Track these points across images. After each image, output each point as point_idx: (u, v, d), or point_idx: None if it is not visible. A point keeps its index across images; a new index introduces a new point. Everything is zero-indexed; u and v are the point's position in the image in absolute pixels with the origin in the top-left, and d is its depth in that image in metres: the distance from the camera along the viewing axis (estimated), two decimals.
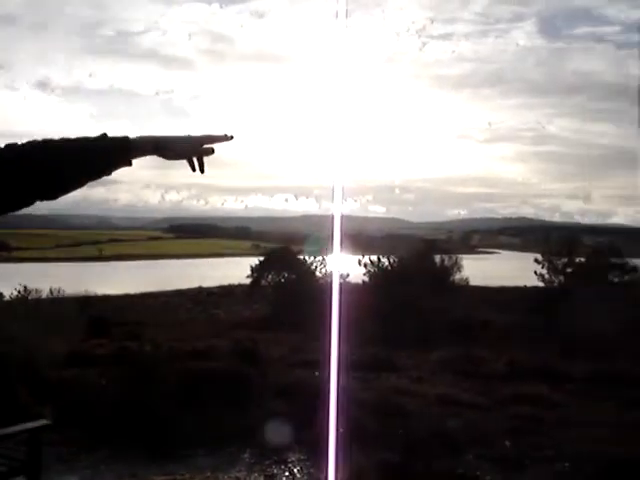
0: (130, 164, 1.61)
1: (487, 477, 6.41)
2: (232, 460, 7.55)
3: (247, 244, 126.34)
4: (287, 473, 7.22)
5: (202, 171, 1.68)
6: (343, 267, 28.40)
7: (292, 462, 7.51)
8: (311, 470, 7.25)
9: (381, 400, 9.00)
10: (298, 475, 7.17)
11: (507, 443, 7.54)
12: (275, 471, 7.27)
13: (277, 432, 7.88)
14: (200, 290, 40.41)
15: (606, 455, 6.86)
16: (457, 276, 33.36)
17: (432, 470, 6.20)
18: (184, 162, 1.67)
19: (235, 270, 39.53)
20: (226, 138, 1.68)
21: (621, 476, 6.43)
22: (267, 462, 7.46)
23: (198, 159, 1.67)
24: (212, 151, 1.66)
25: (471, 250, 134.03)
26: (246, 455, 7.63)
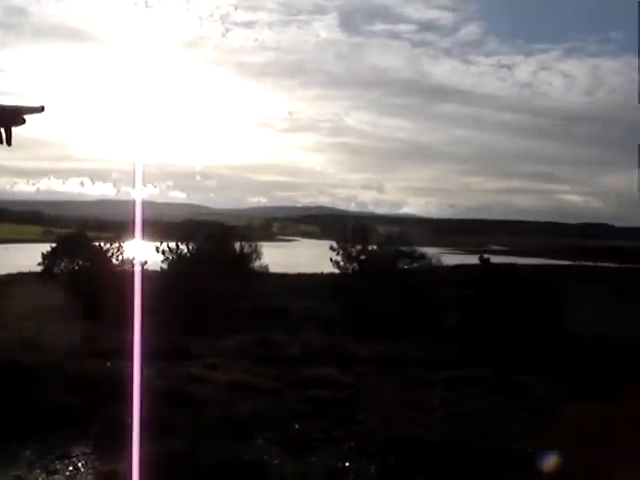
0: None
1: (275, 461, 6.35)
2: (12, 458, 6.91)
3: (39, 229, 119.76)
4: (71, 467, 6.72)
5: (9, 143, 1.58)
6: (141, 254, 27.51)
7: (77, 456, 7.01)
8: (96, 464, 6.80)
9: (173, 388, 8.67)
10: (82, 469, 6.70)
11: (297, 426, 7.53)
12: (58, 466, 6.74)
13: (63, 426, 7.39)
14: None
15: (391, 434, 7.05)
16: (257, 263, 33.43)
17: (218, 457, 6.01)
18: None
19: (26, 257, 37.18)
20: (37, 110, 1.59)
21: (403, 452, 6.63)
22: (50, 457, 6.91)
23: (6, 130, 1.58)
24: (23, 121, 1.58)
25: (271, 238, 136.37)
26: (28, 451, 7.02)
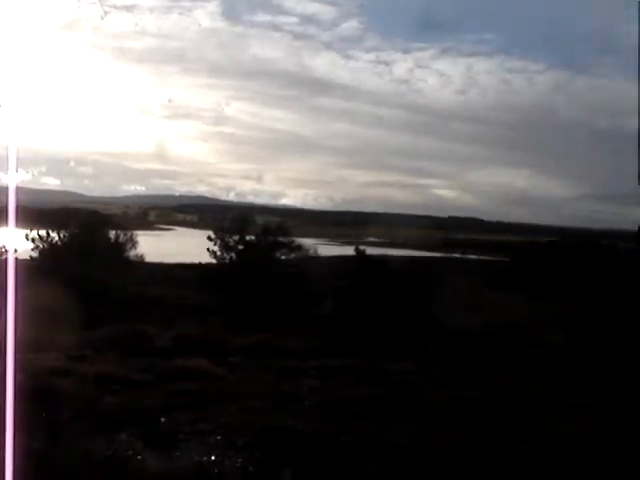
0: None
1: (138, 456, 6.17)
2: None
3: None
4: None
5: None
6: (11, 242, 26.22)
7: None
8: None
9: (34, 382, 8.29)
10: None
11: (163, 419, 7.38)
12: None
13: None
14: None
15: (259, 426, 7.03)
16: (132, 252, 32.53)
17: (76, 454, 5.79)
18: None
19: None
20: None
21: (270, 444, 6.62)
22: None
23: None
24: None
25: (148, 226, 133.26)
26: None
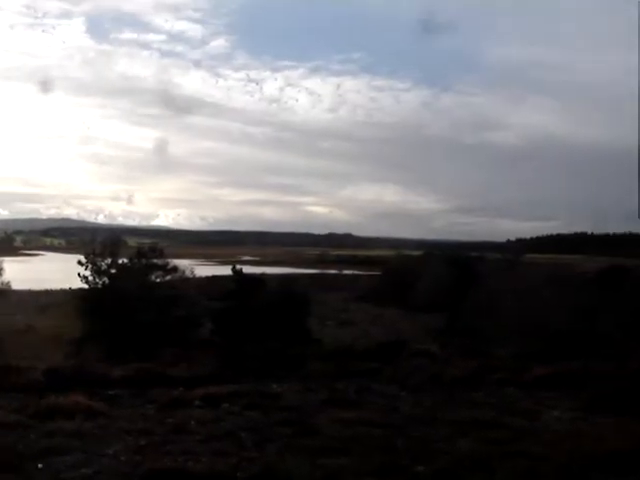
0: None
1: None
2: None
3: None
4: None
5: None
6: None
7: None
8: None
9: None
10: None
11: (39, 465, 6.79)
12: None
13: None
14: None
15: (147, 467, 6.60)
16: None
17: None
18: None
19: None
20: None
21: None
22: None
23: None
24: None
25: (14, 252, 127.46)
26: None
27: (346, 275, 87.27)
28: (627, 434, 6.96)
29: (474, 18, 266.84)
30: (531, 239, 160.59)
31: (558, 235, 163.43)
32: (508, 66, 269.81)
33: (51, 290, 45.58)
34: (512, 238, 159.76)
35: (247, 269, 33.33)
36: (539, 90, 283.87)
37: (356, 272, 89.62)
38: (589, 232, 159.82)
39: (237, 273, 28.84)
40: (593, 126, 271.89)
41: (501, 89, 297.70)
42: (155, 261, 28.87)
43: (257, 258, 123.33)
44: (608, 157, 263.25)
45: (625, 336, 25.36)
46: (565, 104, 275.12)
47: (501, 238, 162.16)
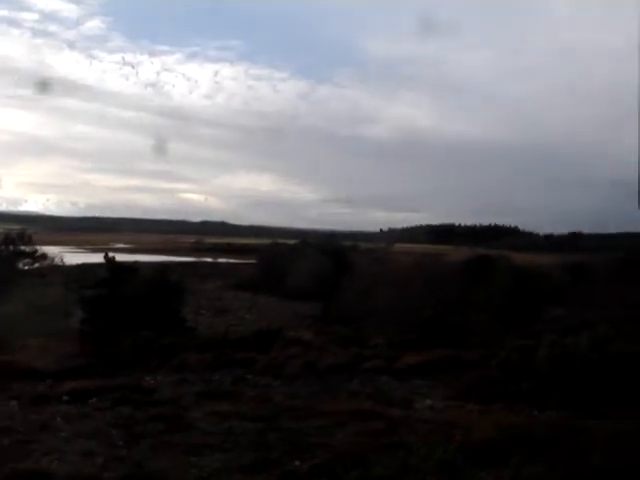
0: None
1: None
2: None
3: None
4: None
5: None
6: None
7: None
8: None
9: None
10: None
11: None
12: None
13: None
14: None
15: (7, 469, 6.19)
16: None
17: None
18: None
19: None
20: None
21: None
22: None
23: None
24: None
25: None
26: None
27: (221, 263, 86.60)
28: (496, 423, 7.20)
29: (351, 11, 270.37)
30: (401, 229, 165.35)
31: (427, 225, 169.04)
32: (382, 60, 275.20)
33: None
34: (384, 228, 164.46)
35: (121, 257, 32.39)
36: (411, 86, 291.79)
37: (231, 260, 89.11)
38: (456, 223, 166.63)
39: (109, 261, 27.93)
40: (461, 122, 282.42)
41: (375, 83, 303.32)
42: (23, 248, 27.59)
43: (131, 245, 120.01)
44: (474, 152, 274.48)
45: (492, 323, 26.51)
46: (434, 100, 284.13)
47: (374, 228, 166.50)
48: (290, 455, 6.75)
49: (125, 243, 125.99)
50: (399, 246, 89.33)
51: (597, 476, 5.91)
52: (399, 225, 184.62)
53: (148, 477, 5.91)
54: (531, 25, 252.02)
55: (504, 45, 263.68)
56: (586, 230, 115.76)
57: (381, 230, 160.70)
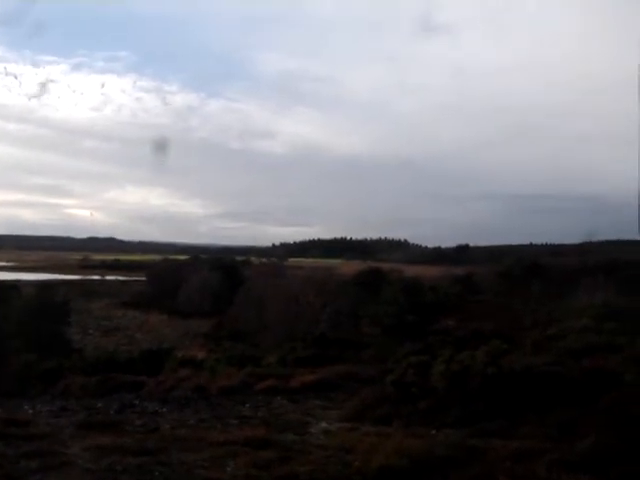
0: None
1: None
2: None
3: None
4: None
5: None
6: None
7: None
8: None
9: None
10: None
11: None
12: None
13: None
14: None
15: None
16: None
17: None
18: None
19: None
20: None
21: None
22: None
23: None
24: None
25: None
26: None
27: (110, 281, 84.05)
28: (394, 447, 6.93)
29: (244, 25, 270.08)
30: (294, 243, 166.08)
31: (319, 240, 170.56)
32: (276, 75, 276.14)
33: None
34: (276, 243, 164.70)
35: (1, 275, 30.78)
36: (304, 101, 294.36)
37: (120, 278, 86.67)
38: (347, 237, 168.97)
39: None
40: (352, 137, 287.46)
41: (268, 97, 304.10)
42: None
43: (13, 264, 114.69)
44: (365, 166, 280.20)
45: (384, 336, 26.64)
46: (327, 115, 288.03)
47: (266, 243, 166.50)
48: None
49: (7, 261, 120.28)
50: (292, 260, 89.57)
51: None
52: (292, 239, 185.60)
53: None
54: (420, 43, 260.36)
55: (395, 62, 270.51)
56: (472, 243, 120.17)
57: (274, 245, 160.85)
